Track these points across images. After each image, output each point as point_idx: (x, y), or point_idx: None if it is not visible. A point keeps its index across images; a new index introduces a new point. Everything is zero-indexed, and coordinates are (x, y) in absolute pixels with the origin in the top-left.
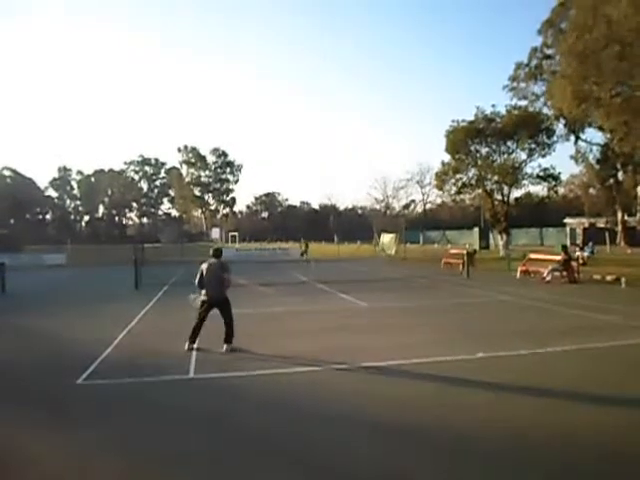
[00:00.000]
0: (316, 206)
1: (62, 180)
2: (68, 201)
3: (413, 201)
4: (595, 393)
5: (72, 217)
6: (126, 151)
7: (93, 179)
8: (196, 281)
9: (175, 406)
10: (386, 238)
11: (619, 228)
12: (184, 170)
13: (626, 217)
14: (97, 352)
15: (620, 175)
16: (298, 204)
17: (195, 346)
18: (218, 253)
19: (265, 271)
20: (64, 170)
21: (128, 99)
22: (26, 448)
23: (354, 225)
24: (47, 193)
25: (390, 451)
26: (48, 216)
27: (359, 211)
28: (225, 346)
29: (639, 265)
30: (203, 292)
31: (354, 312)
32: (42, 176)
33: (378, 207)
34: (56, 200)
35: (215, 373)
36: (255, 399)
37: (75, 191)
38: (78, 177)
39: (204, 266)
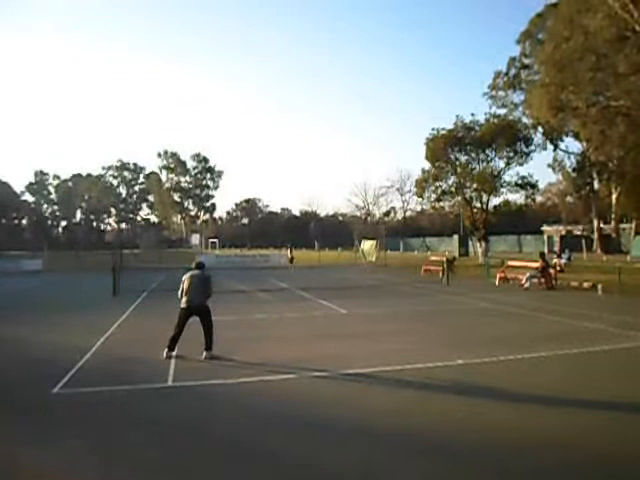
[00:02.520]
0: (297, 212)
1: (39, 184)
2: (45, 206)
3: (393, 208)
4: (573, 398)
5: (49, 222)
6: (104, 155)
7: (70, 184)
8: (179, 292)
9: (152, 415)
10: (366, 245)
11: (595, 236)
12: (164, 175)
13: (602, 225)
14: (74, 360)
15: (596, 184)
16: (279, 210)
17: (174, 354)
18: (200, 266)
19: (245, 278)
20: (41, 174)
21: (107, 103)
22: None
23: (335, 232)
24: (23, 198)
25: (371, 457)
26: (24, 221)
27: (340, 218)
28: (205, 353)
29: (614, 272)
30: (184, 300)
31: (334, 319)
32: (18, 180)
33: (359, 214)
34: (33, 205)
35: (193, 381)
36: (233, 407)
37: (52, 196)
38: (55, 182)
39: (186, 277)
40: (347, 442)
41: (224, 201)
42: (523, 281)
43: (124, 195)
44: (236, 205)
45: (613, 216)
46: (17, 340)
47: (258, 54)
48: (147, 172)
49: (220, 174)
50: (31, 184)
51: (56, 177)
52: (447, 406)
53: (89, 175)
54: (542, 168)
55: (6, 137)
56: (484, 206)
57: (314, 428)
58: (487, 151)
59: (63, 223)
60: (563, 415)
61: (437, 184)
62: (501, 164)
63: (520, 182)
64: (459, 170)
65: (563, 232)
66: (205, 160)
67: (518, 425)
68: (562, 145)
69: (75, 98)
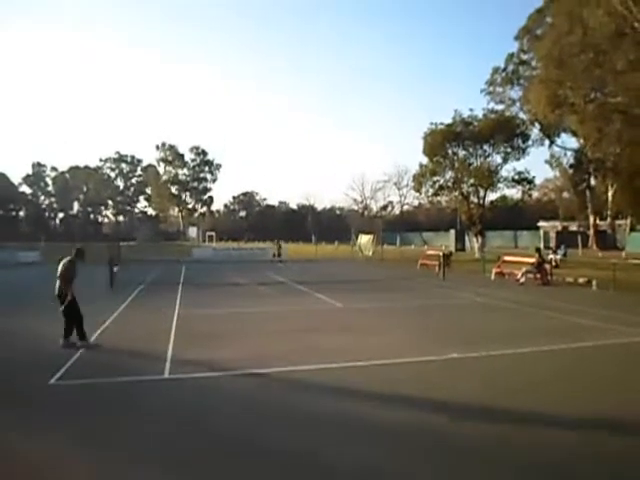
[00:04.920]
0: (294, 206)
1: (36, 176)
2: (42, 197)
3: (391, 202)
4: (567, 394)
5: (46, 214)
6: (102, 148)
7: (68, 176)
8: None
9: (147, 407)
10: (364, 239)
11: (591, 232)
12: (161, 168)
13: (598, 221)
14: (70, 352)
15: (592, 180)
16: (276, 204)
17: (87, 341)
18: (78, 253)
19: (242, 271)
20: (38, 166)
21: (105, 95)
22: None
23: (332, 225)
24: (21, 189)
25: (364, 452)
26: (22, 212)
27: (337, 212)
28: (61, 340)
29: (609, 268)
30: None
31: (330, 312)
32: (16, 172)
33: (356, 208)
34: (30, 196)
35: (190, 374)
36: (228, 399)
37: (49, 187)
38: (53, 173)
39: (62, 262)
40: (334, 434)
41: (222, 194)
42: (519, 276)
43: (121, 187)
44: (234, 198)
45: (609, 212)
46: (14, 331)
47: (257, 49)
48: (145, 164)
49: (218, 167)
50: (28, 176)
51: (53, 169)
52: (439, 401)
53: (86, 167)
54: (539, 164)
55: (4, 129)
56: (481, 201)
57: (303, 420)
58: (485, 146)
59: (60, 215)
60: (550, 411)
61: (435, 179)
62: (498, 159)
63: (517, 177)
64: (457, 165)
65: (559, 228)
66: (203, 153)
67: (504, 419)
68: (559, 141)
69: (73, 90)
